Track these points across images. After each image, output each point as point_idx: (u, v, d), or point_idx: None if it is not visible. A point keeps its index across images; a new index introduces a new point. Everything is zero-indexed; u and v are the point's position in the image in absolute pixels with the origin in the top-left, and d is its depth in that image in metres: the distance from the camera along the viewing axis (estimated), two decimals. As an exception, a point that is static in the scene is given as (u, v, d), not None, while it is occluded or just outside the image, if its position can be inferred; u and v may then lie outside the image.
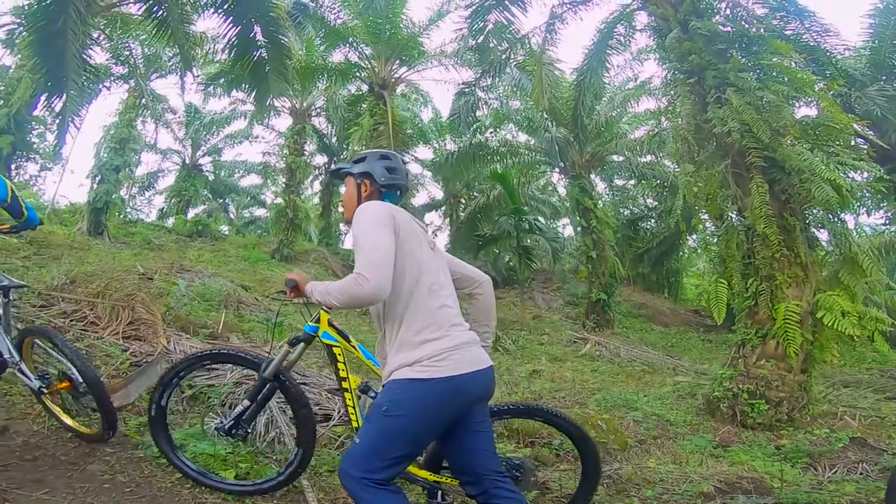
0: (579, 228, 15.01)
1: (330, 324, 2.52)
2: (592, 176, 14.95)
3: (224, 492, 2.67)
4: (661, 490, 3.37)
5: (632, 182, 19.25)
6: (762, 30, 6.38)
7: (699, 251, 18.49)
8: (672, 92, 6.78)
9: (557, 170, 15.69)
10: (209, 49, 11.92)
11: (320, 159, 22.02)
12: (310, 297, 2.11)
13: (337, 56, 13.32)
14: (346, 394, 2.51)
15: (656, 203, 18.97)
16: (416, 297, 1.98)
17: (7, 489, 2.29)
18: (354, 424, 2.48)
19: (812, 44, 7.22)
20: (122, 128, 14.57)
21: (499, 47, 9.99)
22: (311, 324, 2.53)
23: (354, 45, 12.48)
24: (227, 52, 8.48)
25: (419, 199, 21.14)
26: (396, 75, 13.02)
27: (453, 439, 2.06)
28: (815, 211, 5.86)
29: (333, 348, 2.50)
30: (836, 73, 7.27)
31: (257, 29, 7.93)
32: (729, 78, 5.76)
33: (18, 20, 8.66)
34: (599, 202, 15.09)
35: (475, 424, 2.06)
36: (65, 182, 68.16)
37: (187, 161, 22.12)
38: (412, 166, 17.15)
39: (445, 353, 1.92)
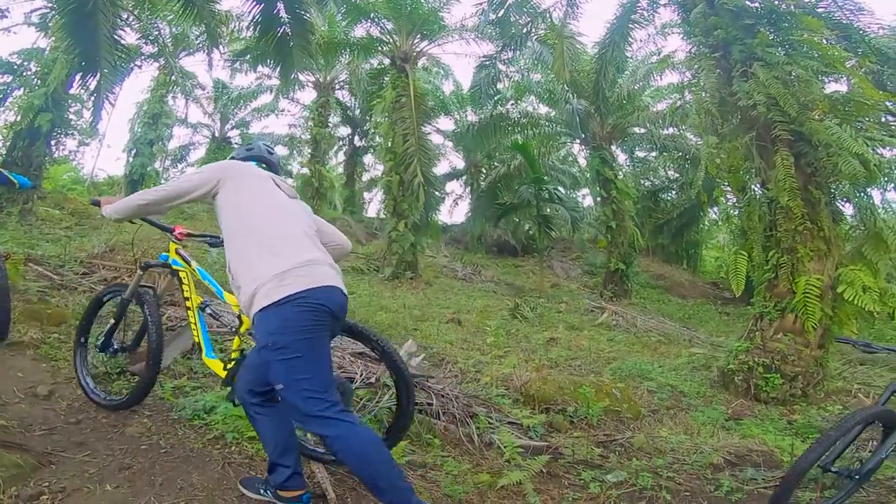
0: (599, 199, 14.78)
1: (177, 252, 2.88)
2: (613, 147, 14.64)
3: (97, 405, 2.91)
4: (671, 459, 3.36)
5: (653, 154, 18.79)
6: (792, 6, 6.09)
7: (720, 223, 18.11)
8: (696, 66, 6.58)
9: (578, 141, 15.39)
10: (235, 27, 11.89)
11: (344, 130, 22.02)
12: (103, 213, 2.45)
13: (359, 31, 13.14)
14: (188, 312, 2.79)
15: (677, 175, 18.50)
16: (261, 223, 2.16)
17: (52, 451, 2.38)
18: (196, 339, 2.76)
19: (844, 21, 6.92)
20: (154, 104, 14.74)
21: (520, 21, 9.72)
22: (164, 253, 2.94)
23: (376, 20, 12.28)
24: (251, 29, 8.52)
25: (441, 168, 20.99)
26: (418, 49, 12.78)
27: None
28: (840, 185, 5.67)
29: (180, 272, 2.84)
30: (868, 51, 6.97)
31: (280, 6, 7.91)
32: (756, 53, 5.57)
33: (51, 4, 8.76)
34: (620, 173, 14.82)
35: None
36: (102, 156, 69.50)
37: (217, 134, 22.29)
38: (434, 137, 16.98)
39: (291, 272, 2.03)
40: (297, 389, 2.00)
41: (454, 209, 31.58)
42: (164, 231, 2.93)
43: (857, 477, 2.50)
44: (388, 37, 12.48)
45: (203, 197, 2.27)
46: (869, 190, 5.67)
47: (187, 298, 2.76)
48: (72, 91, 9.68)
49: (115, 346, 3.06)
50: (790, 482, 2.37)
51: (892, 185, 7.50)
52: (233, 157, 2.62)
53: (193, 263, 2.87)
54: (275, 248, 2.10)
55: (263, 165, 2.58)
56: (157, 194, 2.31)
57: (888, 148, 5.70)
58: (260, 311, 2.02)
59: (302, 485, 2.22)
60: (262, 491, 2.24)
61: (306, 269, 2.08)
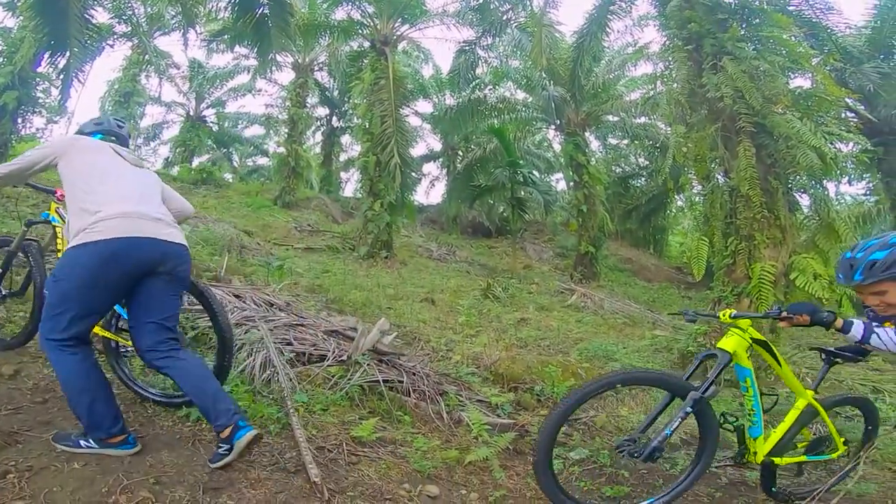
0: (572, 183, 14.90)
1: (56, 210, 3.11)
2: (587, 134, 14.72)
3: None
4: (631, 437, 3.45)
5: (625, 141, 19.00)
6: (764, 3, 6.18)
7: (685, 210, 18.48)
8: (670, 57, 6.64)
9: (553, 127, 15.44)
10: (212, 6, 11.45)
11: (322, 111, 21.59)
12: None
13: (339, 14, 12.84)
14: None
15: (647, 162, 18.75)
16: (86, 185, 2.35)
17: (18, 430, 2.31)
18: None
19: (814, 19, 7.12)
20: (127, 82, 14.26)
21: (500, 8, 9.64)
22: (45, 211, 3.18)
23: (357, 3, 12.01)
24: (230, 9, 8.32)
25: (418, 150, 20.83)
26: (398, 33, 12.55)
27: (135, 305, 2.38)
28: (798, 177, 5.81)
29: (56, 228, 3.08)
30: (834, 49, 7.17)
31: (260, -12, 7.66)
32: (726, 47, 5.65)
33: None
34: (592, 159, 14.94)
35: (154, 295, 2.37)
36: (70, 133, 67.36)
37: (191, 113, 21.65)
38: (412, 119, 16.80)
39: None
40: (50, 314, 2.22)
41: (430, 190, 31.53)
42: (46, 193, 3.36)
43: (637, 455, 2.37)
44: (369, 20, 12.22)
45: (47, 167, 2.49)
46: (824, 182, 5.84)
47: (59, 250, 3.01)
48: (39, 69, 9.31)
49: (4, 293, 3.41)
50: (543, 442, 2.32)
51: (847, 178, 7.74)
52: (79, 131, 2.81)
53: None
54: (91, 207, 2.28)
55: (112, 138, 2.75)
56: (12, 167, 2.52)
57: (845, 142, 5.86)
58: (67, 249, 2.27)
59: (125, 429, 2.30)
60: (81, 443, 2.24)
61: (117, 222, 2.26)
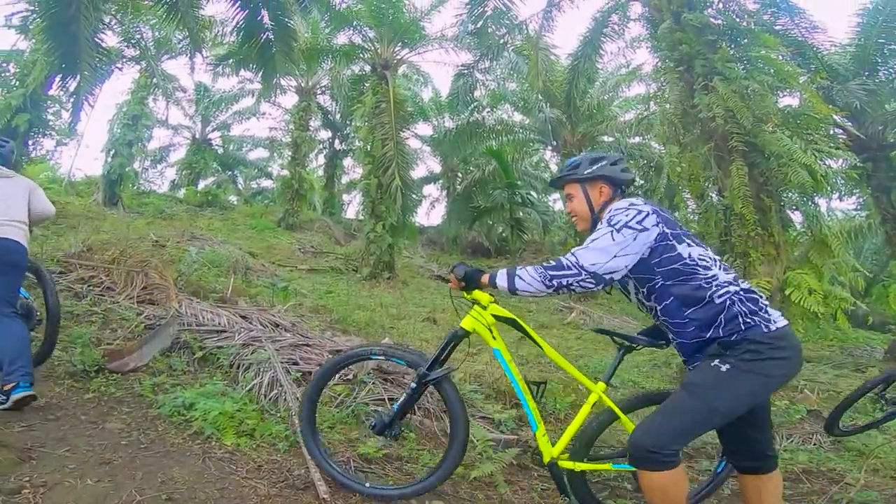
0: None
1: None
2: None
3: None
4: (632, 451, 3.44)
5: (620, 161, 19.11)
6: (752, 24, 6.32)
7: (681, 228, 18.47)
8: (662, 78, 6.75)
9: (550, 147, 15.61)
10: (218, 32, 11.72)
11: (324, 134, 21.82)
12: None
13: (341, 38, 13.07)
14: None
15: (642, 182, 18.85)
16: None
17: (32, 447, 2.33)
18: None
19: (800, 39, 7.23)
20: (135, 105, 14.41)
21: (497, 32, 9.82)
22: None
23: (358, 27, 12.23)
24: (235, 34, 8.44)
25: (418, 172, 21.00)
26: (398, 57, 12.78)
27: None
28: (790, 194, 5.88)
29: None
30: (820, 67, 7.27)
31: (264, 13, 7.83)
32: (717, 67, 5.73)
33: (33, 7, 8.54)
34: (589, 180, 14.99)
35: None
36: (80, 156, 67.69)
37: (197, 136, 21.88)
38: (412, 142, 16.98)
39: None
40: None
41: (431, 212, 31.61)
42: None
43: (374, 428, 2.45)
44: (370, 44, 12.45)
45: None
46: (816, 199, 5.90)
47: None
48: (51, 92, 9.45)
49: None
50: None
51: (837, 194, 7.82)
52: None
53: None
54: None
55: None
56: None
57: (835, 159, 5.94)
58: None
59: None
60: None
61: None
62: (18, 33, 9.35)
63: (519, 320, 2.46)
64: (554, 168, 19.21)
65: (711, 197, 6.12)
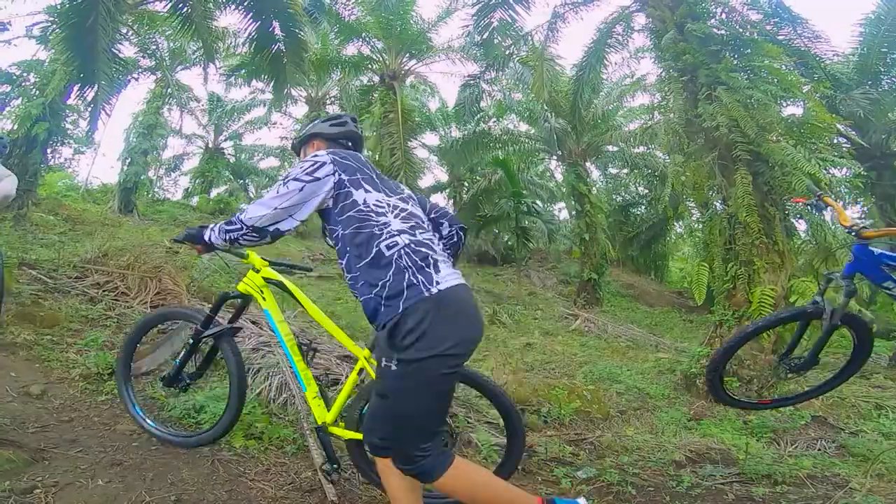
0: (574, 212, 14.96)
1: None
2: (588, 164, 14.86)
3: None
4: (637, 457, 3.42)
5: (625, 171, 19.10)
6: (755, 34, 6.30)
7: (685, 236, 18.47)
8: (666, 88, 6.74)
9: (555, 157, 15.59)
10: (231, 43, 11.86)
11: (334, 144, 21.90)
12: None
13: (350, 49, 13.21)
14: None
15: (647, 191, 18.84)
16: None
17: (45, 448, 2.34)
18: None
19: (803, 48, 7.18)
20: (150, 115, 14.59)
21: (503, 43, 9.85)
22: None
23: (367, 39, 12.35)
24: (247, 45, 8.57)
25: (426, 181, 21.05)
26: (406, 68, 12.88)
27: None
28: (794, 203, 5.83)
29: None
30: (823, 76, 7.22)
31: (276, 24, 7.94)
32: (720, 77, 5.71)
33: (52, 18, 8.67)
34: (593, 188, 15.04)
35: None
36: (97, 164, 68.49)
37: (210, 145, 22.07)
38: (419, 151, 17.05)
39: None
40: None
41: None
42: None
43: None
44: (378, 55, 12.56)
45: None
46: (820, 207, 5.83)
47: None
48: (69, 102, 9.53)
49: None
50: None
51: (842, 202, 7.76)
52: None
53: None
54: None
55: None
56: None
57: (839, 168, 5.90)
58: None
59: None
60: None
61: None
62: (39, 44, 9.48)
63: (287, 282, 2.44)
64: (559, 177, 19.24)
65: (716, 206, 6.08)
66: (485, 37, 9.28)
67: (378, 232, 1.76)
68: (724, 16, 6.52)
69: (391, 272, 1.70)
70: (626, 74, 13.88)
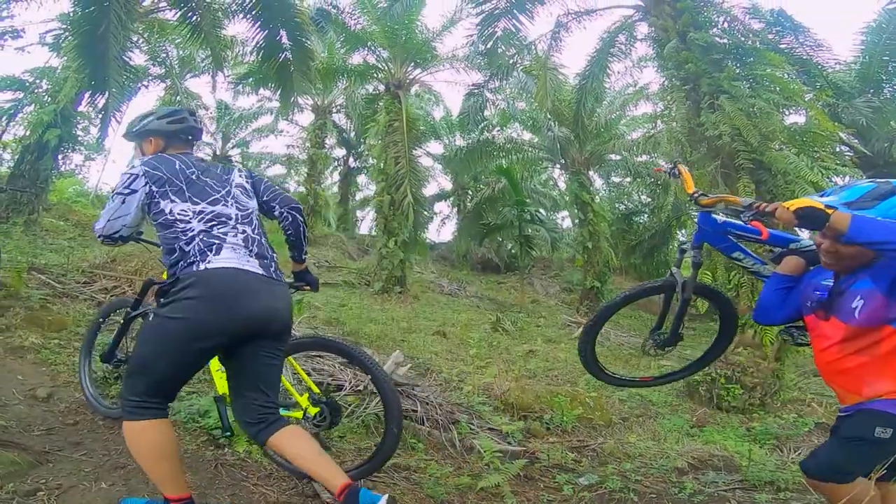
0: (577, 221, 14.92)
1: None
2: (591, 173, 14.82)
3: None
4: (639, 464, 3.39)
5: (627, 179, 19.00)
6: (757, 43, 6.29)
7: (688, 245, 18.29)
8: (668, 97, 6.73)
9: (558, 166, 15.58)
10: (239, 51, 11.92)
11: (339, 152, 22.02)
12: None
13: (356, 58, 13.25)
14: None
15: (649, 199, 18.77)
16: None
17: (50, 450, 2.34)
18: None
19: (805, 57, 7.17)
20: (160, 122, 14.68)
21: (506, 53, 9.88)
22: None
23: (372, 48, 12.40)
24: (255, 54, 8.61)
25: (430, 189, 21.09)
26: (411, 77, 12.92)
27: None
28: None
29: None
30: (825, 85, 7.21)
31: (283, 33, 7.98)
32: (723, 86, 5.69)
33: (65, 26, 8.78)
34: (596, 197, 15.00)
35: None
36: (107, 171, 69.19)
37: (218, 152, 22.19)
38: (424, 160, 17.09)
39: None
40: None
41: (441, 228, 31.72)
42: None
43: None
44: (384, 64, 12.61)
45: None
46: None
47: None
48: (80, 108, 9.63)
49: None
50: None
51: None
52: None
53: None
54: None
55: None
56: None
57: (841, 176, 5.87)
58: None
59: None
60: None
61: None
62: (51, 51, 9.59)
63: None
64: (563, 186, 19.22)
65: (719, 214, 6.06)
66: (489, 46, 9.31)
67: (182, 236, 1.98)
68: (726, 25, 6.52)
69: (185, 257, 1.94)
70: (628, 83, 13.87)
